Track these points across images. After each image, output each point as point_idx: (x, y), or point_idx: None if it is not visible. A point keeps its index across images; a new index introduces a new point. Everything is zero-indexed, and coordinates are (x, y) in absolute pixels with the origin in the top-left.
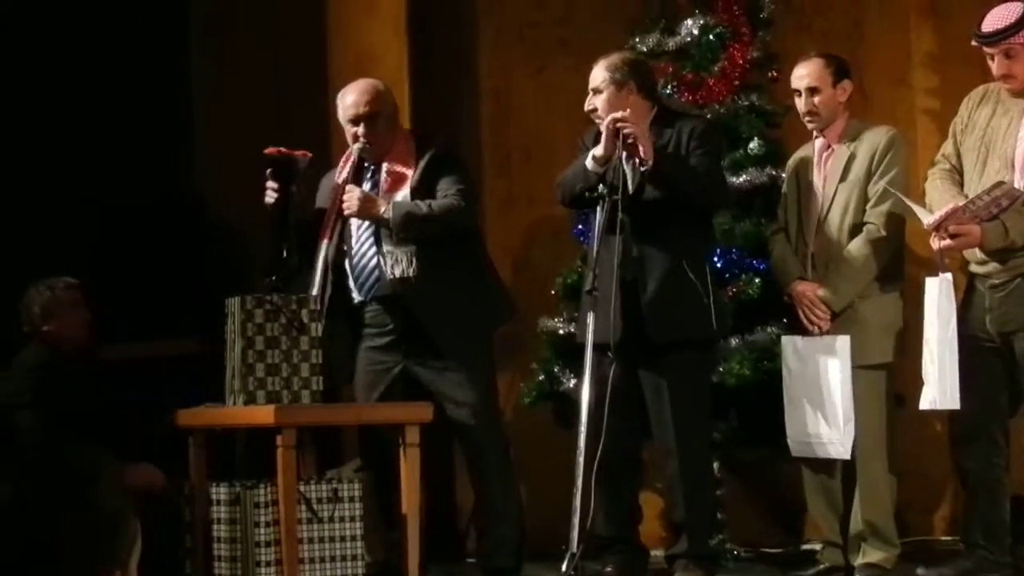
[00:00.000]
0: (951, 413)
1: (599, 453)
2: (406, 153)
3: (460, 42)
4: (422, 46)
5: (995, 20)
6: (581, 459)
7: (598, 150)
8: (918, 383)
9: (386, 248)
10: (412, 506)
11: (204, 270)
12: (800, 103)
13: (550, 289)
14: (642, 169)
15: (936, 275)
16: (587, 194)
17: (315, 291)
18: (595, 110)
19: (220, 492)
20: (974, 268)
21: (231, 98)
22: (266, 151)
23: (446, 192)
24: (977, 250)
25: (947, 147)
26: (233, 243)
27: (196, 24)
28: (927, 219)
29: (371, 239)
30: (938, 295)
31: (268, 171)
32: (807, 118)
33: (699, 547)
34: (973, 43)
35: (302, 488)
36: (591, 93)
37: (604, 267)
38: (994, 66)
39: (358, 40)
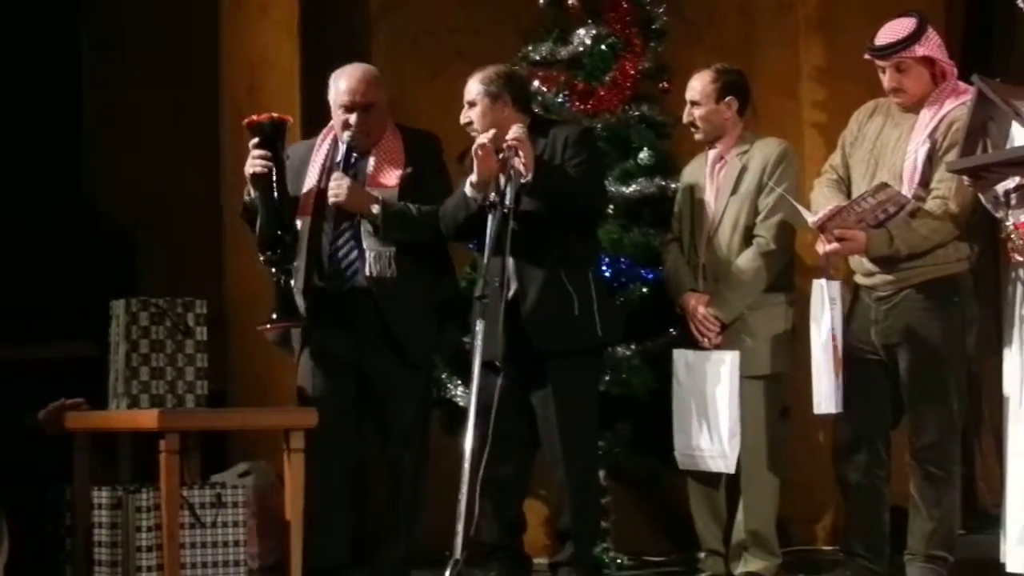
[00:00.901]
0: (835, 425)
1: (484, 461)
2: (395, 149)
3: (353, 47)
4: (315, 50)
5: (888, 34)
6: (466, 466)
7: (473, 176)
8: (803, 394)
9: (367, 244)
10: (296, 511)
11: (96, 273)
12: (685, 113)
13: None
14: (522, 181)
15: (821, 278)
16: (479, 203)
17: (303, 274)
18: (470, 123)
19: (102, 496)
20: (859, 280)
21: (123, 101)
22: (251, 119)
23: (432, 198)
24: (864, 261)
25: (835, 158)
26: (125, 246)
27: (87, 27)
28: (811, 219)
29: (352, 230)
30: (813, 300)
31: (254, 141)
32: (691, 129)
33: (583, 555)
34: (866, 56)
35: (185, 493)
36: (466, 106)
37: (493, 276)
38: (885, 79)
39: (251, 43)
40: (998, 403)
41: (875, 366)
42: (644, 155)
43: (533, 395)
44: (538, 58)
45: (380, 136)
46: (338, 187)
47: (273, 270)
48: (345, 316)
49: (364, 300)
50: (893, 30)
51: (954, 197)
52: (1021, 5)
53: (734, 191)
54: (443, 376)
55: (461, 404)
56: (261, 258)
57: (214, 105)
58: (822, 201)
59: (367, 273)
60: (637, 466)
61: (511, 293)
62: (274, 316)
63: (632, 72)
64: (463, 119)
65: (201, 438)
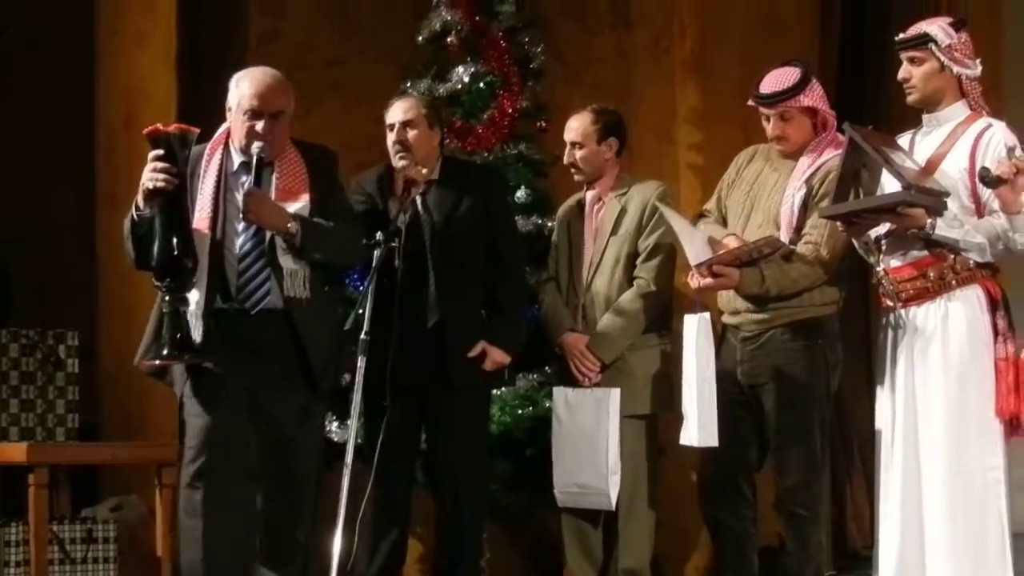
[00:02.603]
0: (700, 466)
1: (367, 495)
2: (298, 163)
3: (228, 79)
4: (191, 81)
5: (774, 82)
6: (343, 499)
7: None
8: (675, 433)
9: (284, 262)
10: (167, 546)
11: None
12: (566, 155)
13: None
14: None
15: (695, 313)
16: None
17: (204, 296)
18: (404, 141)
19: None
20: (726, 319)
21: None
22: (155, 128)
23: (340, 216)
24: (732, 300)
25: (710, 203)
26: None
27: None
28: (695, 258)
29: (259, 247)
30: (696, 333)
31: (157, 153)
32: (572, 170)
33: None
34: (750, 103)
35: (55, 528)
36: (399, 126)
37: (379, 312)
38: (769, 127)
39: (127, 72)
40: (869, 445)
41: (739, 407)
42: (521, 193)
43: (432, 428)
44: (415, 95)
45: (283, 148)
46: (256, 204)
47: (167, 299)
48: (251, 339)
49: (276, 322)
50: (778, 79)
51: (825, 243)
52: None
53: (614, 231)
54: None
55: (336, 440)
56: (158, 285)
57: (89, 133)
58: (710, 231)
59: (285, 293)
60: (512, 503)
61: (431, 324)
62: (165, 352)
63: (510, 111)
64: (396, 137)
65: (72, 471)
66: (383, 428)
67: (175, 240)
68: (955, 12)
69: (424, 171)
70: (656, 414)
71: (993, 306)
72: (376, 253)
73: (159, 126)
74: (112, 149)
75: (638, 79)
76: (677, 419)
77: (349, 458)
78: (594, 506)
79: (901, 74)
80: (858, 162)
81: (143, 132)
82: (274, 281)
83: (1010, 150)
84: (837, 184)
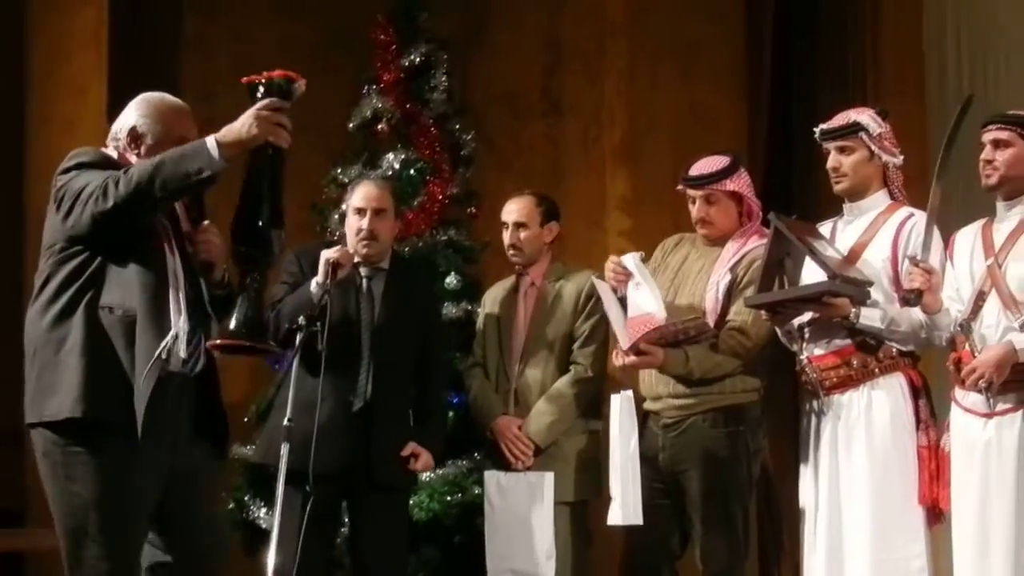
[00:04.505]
0: (622, 554)
1: None
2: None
3: None
4: None
5: (703, 166)
6: None
7: (320, 278)
8: (602, 518)
9: (214, 315)
10: None
11: None
12: (506, 236)
13: (243, 416)
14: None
15: (619, 392)
16: (289, 325)
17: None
18: (375, 229)
19: None
20: (648, 406)
21: None
22: (274, 72)
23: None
24: (654, 385)
25: None
26: None
27: None
28: (625, 343)
29: (199, 299)
30: (620, 411)
31: (278, 102)
32: (511, 251)
33: None
34: (678, 187)
35: None
36: (371, 212)
37: (302, 397)
38: (694, 210)
39: (57, 160)
40: (797, 530)
41: (660, 494)
42: (451, 279)
43: (359, 517)
44: (347, 180)
45: None
46: (215, 236)
47: (246, 272)
48: (180, 402)
49: (192, 388)
50: (708, 163)
51: (750, 329)
52: (818, 138)
53: (548, 317)
54: (245, 498)
55: (263, 526)
56: (239, 252)
57: (20, 186)
58: None
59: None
60: None
61: (356, 409)
62: (231, 328)
63: (440, 197)
64: (367, 224)
65: None
66: (306, 515)
67: (265, 202)
68: (881, 102)
69: (352, 253)
70: (587, 500)
71: (916, 394)
72: (298, 337)
73: (285, 72)
74: (40, 238)
75: (568, 166)
76: (605, 504)
77: (274, 545)
78: None
79: (831, 163)
80: (783, 251)
81: (250, 78)
82: (202, 340)
83: (911, 259)
84: (762, 273)
